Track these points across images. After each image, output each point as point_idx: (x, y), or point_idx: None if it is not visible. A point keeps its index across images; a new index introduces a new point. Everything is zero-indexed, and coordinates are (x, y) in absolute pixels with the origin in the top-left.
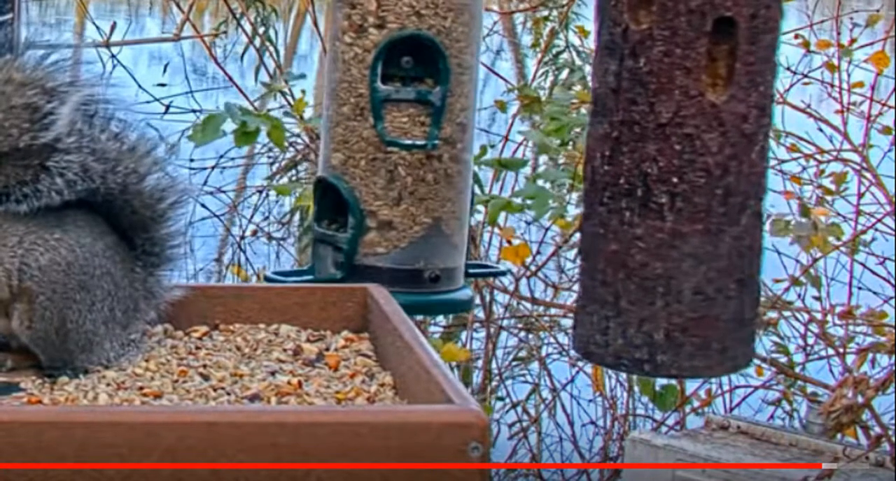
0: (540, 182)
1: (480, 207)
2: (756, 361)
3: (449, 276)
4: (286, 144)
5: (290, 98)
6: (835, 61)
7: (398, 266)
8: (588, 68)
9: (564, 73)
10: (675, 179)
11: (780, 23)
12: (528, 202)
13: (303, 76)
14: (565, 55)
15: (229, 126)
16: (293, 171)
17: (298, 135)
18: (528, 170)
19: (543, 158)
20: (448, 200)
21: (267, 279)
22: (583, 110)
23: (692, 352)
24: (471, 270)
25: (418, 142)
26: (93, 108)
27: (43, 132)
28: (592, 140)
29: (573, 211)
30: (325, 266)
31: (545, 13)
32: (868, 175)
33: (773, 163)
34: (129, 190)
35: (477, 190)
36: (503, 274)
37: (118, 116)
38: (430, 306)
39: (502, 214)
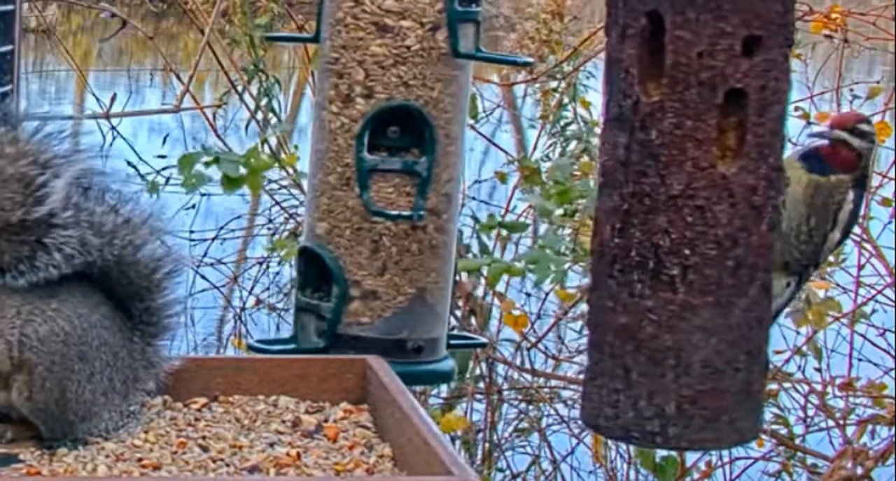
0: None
1: (482, 279)
2: None
3: (432, 347)
4: (287, 215)
5: (286, 162)
6: None
7: (382, 336)
8: (595, 140)
9: (573, 145)
10: (686, 251)
11: (788, 94)
12: (530, 267)
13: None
14: (573, 126)
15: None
16: (294, 243)
17: (299, 206)
18: (528, 240)
19: (543, 228)
20: (432, 270)
21: (251, 347)
22: (588, 180)
23: (702, 424)
24: (452, 341)
25: (404, 213)
26: (88, 180)
27: (37, 206)
28: (601, 213)
29: (574, 278)
30: (308, 334)
31: (553, 85)
32: (868, 246)
33: None
34: (125, 261)
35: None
36: (483, 346)
37: (113, 187)
38: (413, 377)
39: (502, 285)
